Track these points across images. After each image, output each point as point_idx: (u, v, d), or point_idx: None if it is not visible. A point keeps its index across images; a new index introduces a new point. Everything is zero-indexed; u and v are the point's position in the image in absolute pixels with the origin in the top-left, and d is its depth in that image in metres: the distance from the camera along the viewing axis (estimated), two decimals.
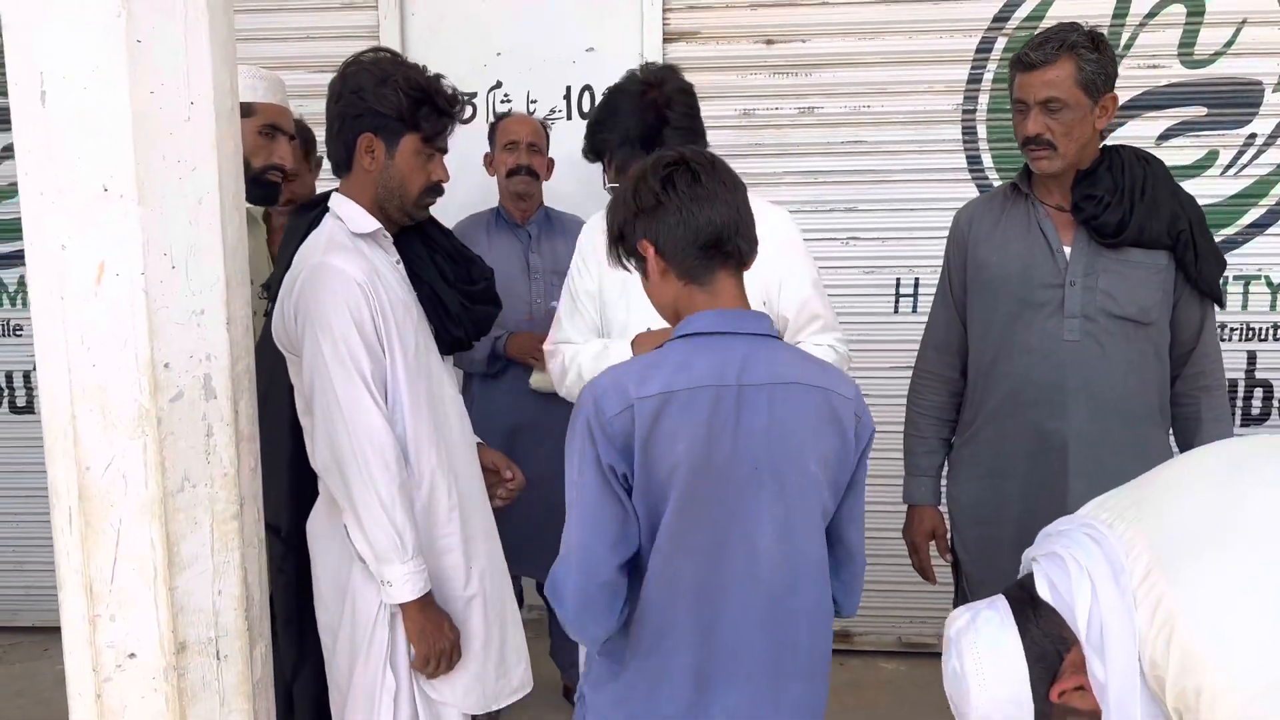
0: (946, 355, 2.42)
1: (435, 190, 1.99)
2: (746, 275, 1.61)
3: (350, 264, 1.86)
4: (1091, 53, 2.11)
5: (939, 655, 1.39)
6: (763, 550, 1.54)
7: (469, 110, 3.59)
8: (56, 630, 1.44)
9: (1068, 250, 2.21)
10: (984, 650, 1.26)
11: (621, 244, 1.61)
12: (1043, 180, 2.24)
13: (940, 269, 2.45)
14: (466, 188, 3.22)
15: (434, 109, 1.93)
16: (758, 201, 1.67)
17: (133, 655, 1.43)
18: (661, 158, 1.59)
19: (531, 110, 3.58)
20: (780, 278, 2.11)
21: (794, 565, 1.56)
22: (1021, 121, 2.19)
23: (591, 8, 3.55)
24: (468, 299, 2.04)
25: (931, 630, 3.69)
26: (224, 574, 1.47)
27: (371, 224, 1.94)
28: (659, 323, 1.88)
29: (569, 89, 3.62)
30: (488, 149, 3.27)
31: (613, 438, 1.47)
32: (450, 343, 2.04)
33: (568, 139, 3.24)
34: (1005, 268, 2.26)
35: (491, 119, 3.37)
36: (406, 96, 1.89)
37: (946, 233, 2.43)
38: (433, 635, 1.90)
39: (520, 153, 3.12)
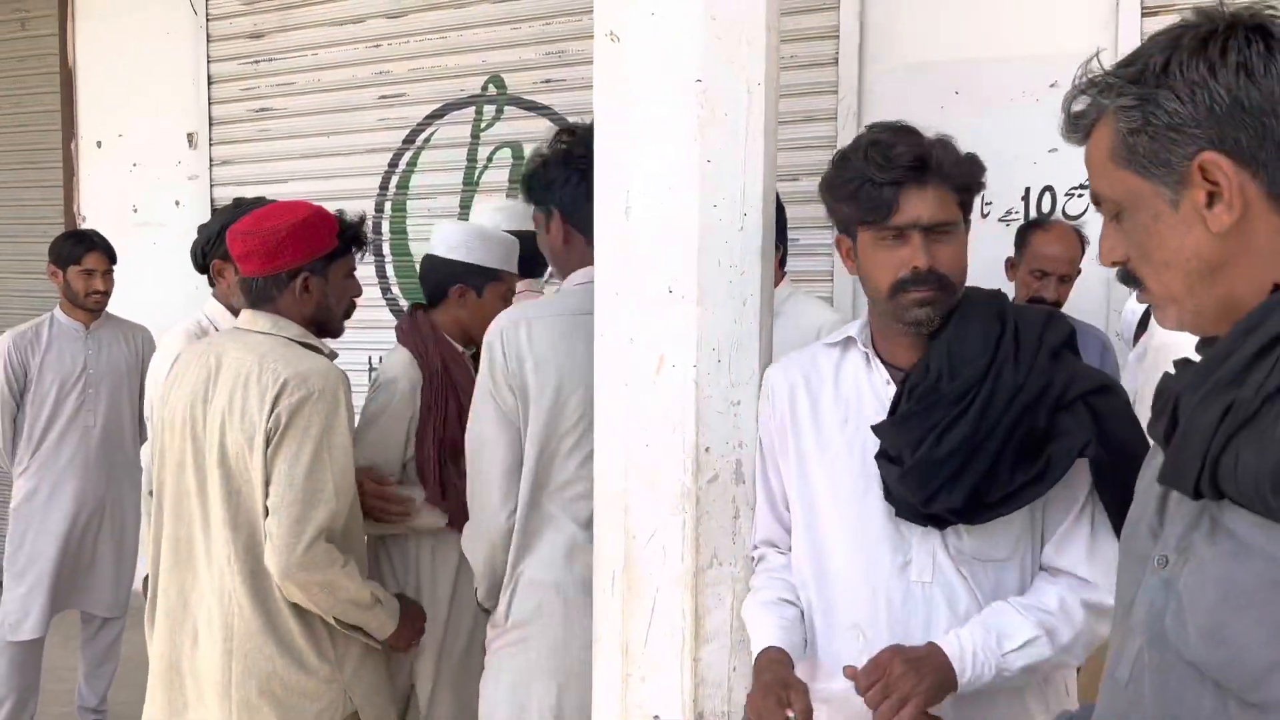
0: None
1: None
2: None
3: None
4: None
5: None
6: None
7: None
8: None
9: None
10: None
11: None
12: None
13: None
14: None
15: None
16: None
17: (657, 717, 1.55)
18: None
19: (985, 212, 3.52)
20: None
21: None
22: None
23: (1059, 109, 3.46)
24: None
25: None
26: (739, 652, 1.55)
27: None
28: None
29: (1028, 190, 3.53)
30: (1011, 252, 2.96)
31: None
32: None
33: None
34: None
35: (1022, 220, 3.11)
36: None
37: None
38: None
39: (1049, 286, 2.71)
